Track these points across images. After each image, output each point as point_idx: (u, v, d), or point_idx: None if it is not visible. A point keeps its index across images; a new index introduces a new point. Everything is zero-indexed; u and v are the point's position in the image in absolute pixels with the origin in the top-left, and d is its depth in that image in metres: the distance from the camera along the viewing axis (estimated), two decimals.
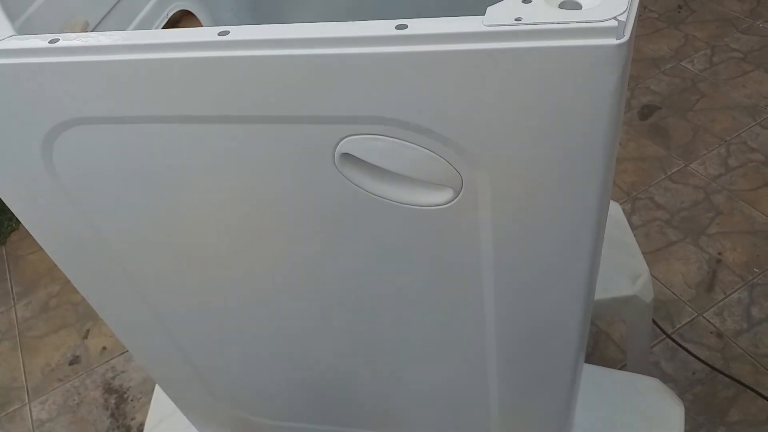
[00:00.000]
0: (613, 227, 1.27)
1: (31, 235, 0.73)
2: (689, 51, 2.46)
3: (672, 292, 1.69)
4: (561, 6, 0.44)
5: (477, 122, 0.49)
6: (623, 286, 1.20)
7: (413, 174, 0.55)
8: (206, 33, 0.49)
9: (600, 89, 0.45)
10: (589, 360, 0.95)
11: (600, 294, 1.16)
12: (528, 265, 0.62)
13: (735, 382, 1.49)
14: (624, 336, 1.59)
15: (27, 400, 1.74)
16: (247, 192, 0.62)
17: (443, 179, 0.55)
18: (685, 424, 1.01)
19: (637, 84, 2.35)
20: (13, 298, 2.02)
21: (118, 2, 0.80)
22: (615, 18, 0.42)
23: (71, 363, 1.81)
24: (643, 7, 2.68)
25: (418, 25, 0.45)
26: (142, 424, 1.61)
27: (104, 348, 1.83)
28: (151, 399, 1.22)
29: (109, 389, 1.74)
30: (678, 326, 1.62)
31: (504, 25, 0.44)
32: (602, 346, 1.61)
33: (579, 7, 0.44)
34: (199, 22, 0.98)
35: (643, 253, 1.26)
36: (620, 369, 1.51)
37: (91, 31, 0.76)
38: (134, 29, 0.83)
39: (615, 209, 1.36)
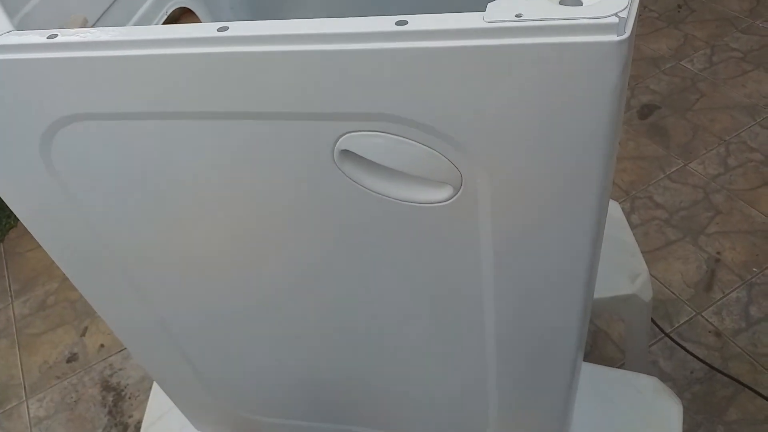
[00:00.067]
0: (613, 226, 1.26)
1: (29, 233, 0.73)
2: (689, 50, 2.46)
3: (671, 291, 1.69)
4: (562, 2, 0.44)
5: (477, 119, 0.49)
6: (622, 284, 1.20)
7: (413, 171, 0.54)
8: (205, 29, 0.49)
9: (601, 86, 0.45)
10: (587, 359, 0.95)
11: (599, 293, 1.16)
12: (527, 263, 0.62)
13: (733, 381, 1.49)
14: (623, 335, 1.59)
15: (24, 398, 1.74)
16: (246, 189, 0.62)
17: (443, 176, 0.54)
18: (684, 422, 1.01)
19: (637, 83, 2.35)
20: (11, 296, 2.01)
21: None
22: (616, 14, 0.42)
23: (69, 360, 1.81)
24: (642, 7, 2.67)
25: (418, 21, 0.45)
26: (139, 422, 1.61)
27: (102, 345, 1.83)
28: (148, 396, 1.22)
29: (106, 387, 1.73)
30: (677, 325, 1.62)
31: (505, 21, 0.44)
32: (601, 344, 1.61)
33: (580, 3, 0.44)
34: (199, 20, 0.97)
35: (642, 252, 1.26)
36: (619, 368, 1.51)
37: (90, 27, 0.76)
38: (133, 26, 0.82)
39: (614, 208, 1.36)
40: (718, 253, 1.77)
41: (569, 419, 0.89)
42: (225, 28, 0.49)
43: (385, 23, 0.46)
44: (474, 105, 0.48)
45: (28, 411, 1.71)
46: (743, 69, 2.33)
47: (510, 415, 0.88)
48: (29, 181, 0.65)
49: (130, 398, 1.70)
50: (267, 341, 0.85)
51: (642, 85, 2.34)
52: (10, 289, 2.03)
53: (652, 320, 1.47)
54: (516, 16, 0.44)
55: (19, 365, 1.82)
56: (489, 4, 0.45)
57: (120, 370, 1.77)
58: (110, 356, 1.80)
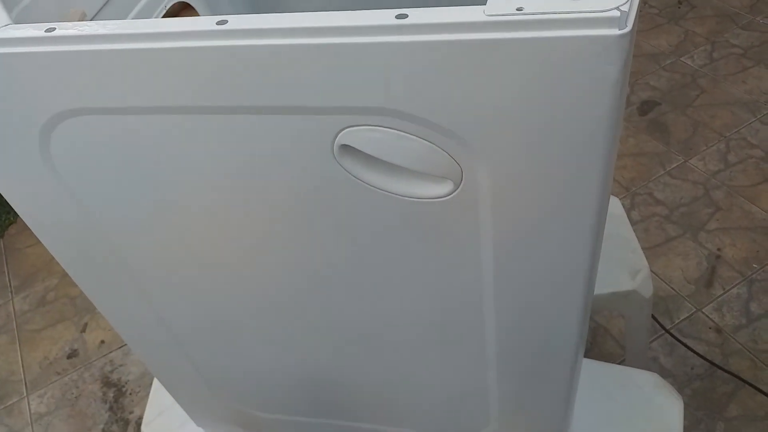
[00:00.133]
0: (613, 222, 1.26)
1: (29, 228, 0.72)
2: (689, 47, 2.45)
3: (671, 288, 1.69)
4: None
5: (477, 113, 0.49)
6: (622, 281, 1.20)
7: (414, 166, 0.54)
8: (204, 22, 0.49)
9: (602, 80, 0.45)
10: (588, 355, 0.95)
11: (599, 289, 1.16)
12: (528, 259, 0.61)
13: (734, 378, 1.49)
14: (623, 331, 1.59)
15: (25, 394, 1.74)
16: (246, 184, 0.62)
17: (443, 171, 0.54)
18: (684, 418, 1.01)
19: (637, 80, 2.34)
20: (11, 292, 2.01)
21: None
22: (617, 8, 0.42)
23: (69, 356, 1.81)
24: (643, 3, 2.67)
25: (418, 15, 0.45)
26: (140, 418, 1.61)
27: (102, 341, 1.83)
28: (149, 392, 1.22)
29: (107, 383, 1.73)
30: (677, 321, 1.62)
31: (505, 15, 0.43)
32: (601, 341, 1.61)
33: None
34: (197, 15, 0.97)
35: (642, 248, 1.26)
36: (619, 364, 1.51)
37: (89, 21, 0.76)
38: (131, 20, 0.82)
39: (614, 204, 1.35)
40: (719, 249, 1.77)
41: (570, 415, 0.89)
42: (224, 22, 0.49)
43: (386, 17, 0.45)
44: (474, 99, 0.48)
45: (29, 407, 1.71)
46: (744, 65, 2.33)
47: (511, 411, 0.88)
48: (28, 177, 0.65)
49: (130, 394, 1.70)
50: (267, 338, 0.85)
51: (642, 81, 2.34)
52: (10, 285, 2.03)
53: (653, 316, 1.47)
54: (517, 9, 0.43)
55: (20, 361, 1.82)
56: None
57: (120, 366, 1.77)
58: (111, 352, 1.80)
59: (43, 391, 1.74)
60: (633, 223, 1.83)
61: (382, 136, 0.52)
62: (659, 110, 2.22)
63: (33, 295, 1.98)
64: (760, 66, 2.32)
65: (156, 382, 1.21)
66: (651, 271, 1.29)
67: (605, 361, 1.15)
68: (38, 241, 0.74)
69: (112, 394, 1.71)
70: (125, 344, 1.79)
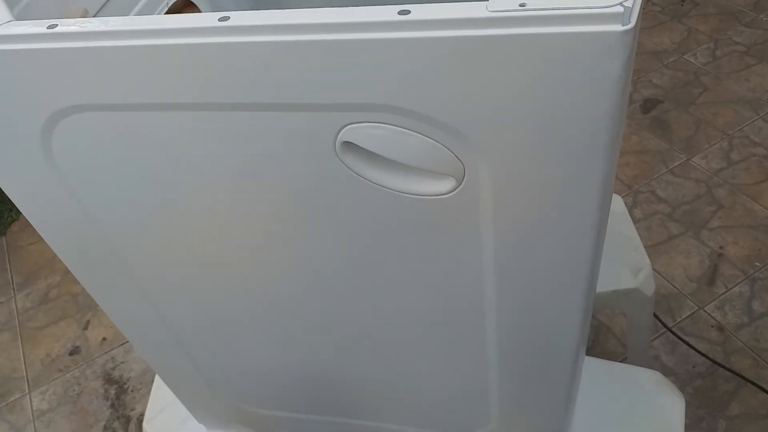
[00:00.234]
0: (615, 220, 1.26)
1: (31, 226, 0.72)
2: (692, 44, 2.45)
3: (673, 286, 1.69)
4: None
5: (480, 110, 0.49)
6: (624, 279, 1.20)
7: (416, 163, 0.54)
8: (206, 18, 0.49)
9: (605, 77, 0.44)
10: (589, 353, 0.95)
11: (601, 287, 1.15)
12: (529, 257, 0.61)
13: (736, 376, 1.49)
14: (625, 329, 1.59)
15: (27, 391, 1.75)
16: (247, 181, 0.62)
17: (445, 168, 0.54)
18: (686, 417, 1.01)
19: (640, 77, 2.34)
20: (14, 289, 2.01)
21: None
22: (621, 4, 0.42)
23: (71, 353, 1.81)
24: (646, 0, 2.66)
25: (421, 11, 0.45)
26: (142, 415, 1.61)
27: (104, 339, 1.83)
28: (151, 389, 1.22)
29: (109, 380, 1.74)
30: (679, 320, 1.62)
31: (508, 10, 0.43)
32: (603, 339, 1.61)
33: None
34: (200, 12, 0.97)
35: (644, 246, 1.26)
36: (621, 362, 1.51)
37: (91, 18, 0.76)
38: (134, 16, 0.82)
39: (617, 202, 1.35)
40: (721, 247, 1.76)
41: (571, 413, 0.89)
42: (226, 18, 0.48)
43: (388, 13, 0.45)
44: (477, 96, 0.48)
45: (31, 404, 1.72)
46: (747, 63, 2.32)
47: (512, 409, 0.88)
48: (30, 173, 0.65)
49: (132, 391, 1.70)
50: (268, 336, 0.85)
51: (645, 79, 2.33)
52: (13, 283, 2.03)
53: (655, 314, 1.46)
54: (520, 5, 0.43)
55: (22, 358, 1.83)
56: None
57: (122, 363, 1.77)
58: (112, 349, 1.80)
59: (45, 388, 1.74)
60: (635, 221, 1.83)
61: (384, 133, 0.52)
62: (662, 108, 2.21)
63: (35, 293, 1.99)
64: (763, 64, 2.31)
65: (157, 379, 1.21)
66: (653, 269, 1.29)
67: (607, 360, 1.15)
68: (41, 239, 0.74)
69: (113, 391, 1.71)
70: (127, 341, 1.79)
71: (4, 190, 0.68)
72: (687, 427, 1.02)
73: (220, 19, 0.48)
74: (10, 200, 0.69)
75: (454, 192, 0.56)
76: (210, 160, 0.60)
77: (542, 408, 0.87)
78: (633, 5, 0.42)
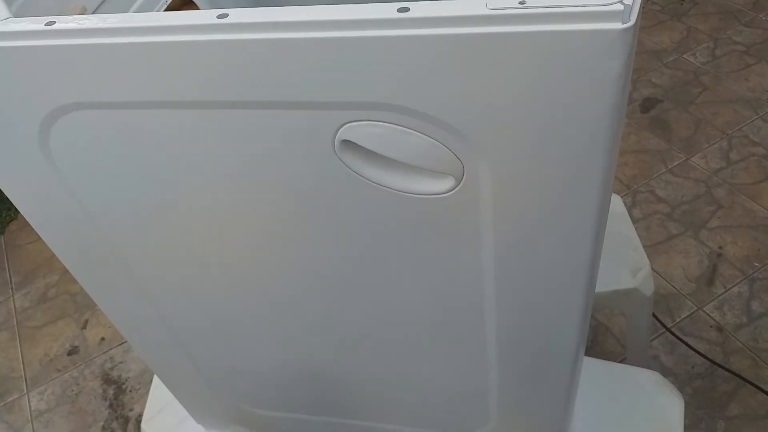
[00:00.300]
0: (614, 220, 1.26)
1: (29, 225, 0.72)
2: (691, 44, 2.45)
3: (672, 286, 1.69)
4: None
5: (479, 108, 0.49)
6: (623, 279, 1.20)
7: (415, 162, 0.54)
8: (205, 16, 0.49)
9: (604, 75, 0.44)
10: (588, 353, 0.95)
11: (600, 287, 1.15)
12: (529, 256, 0.61)
13: (735, 376, 1.49)
14: (624, 329, 1.59)
15: (25, 390, 1.74)
16: (246, 179, 0.61)
17: (444, 167, 0.54)
18: (685, 417, 1.01)
19: (639, 77, 2.34)
20: (12, 288, 2.01)
21: None
22: (620, 2, 0.42)
23: (70, 353, 1.81)
24: None
25: (420, 8, 0.45)
26: (140, 415, 1.61)
27: (103, 338, 1.83)
28: (149, 390, 1.22)
29: (107, 380, 1.73)
30: (678, 320, 1.62)
31: (508, 8, 0.43)
32: (602, 339, 1.61)
33: None
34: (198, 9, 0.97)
35: (643, 246, 1.26)
36: (620, 362, 1.51)
37: (89, 15, 0.75)
38: (132, 13, 0.82)
39: (616, 202, 1.35)
40: (720, 247, 1.76)
41: (570, 413, 0.89)
42: (225, 15, 0.48)
43: (387, 10, 0.45)
44: (476, 94, 0.48)
45: (29, 404, 1.71)
46: (746, 62, 2.32)
47: (511, 409, 0.88)
48: (28, 172, 0.65)
49: (130, 391, 1.70)
50: (267, 336, 0.85)
51: (644, 78, 2.33)
52: (11, 282, 2.03)
53: (654, 315, 1.46)
54: (519, 2, 0.43)
55: (20, 358, 1.82)
56: None
57: (121, 363, 1.77)
58: (111, 349, 1.80)
59: (44, 388, 1.74)
60: (634, 220, 1.83)
61: (383, 132, 0.52)
62: (661, 107, 2.21)
63: (34, 292, 1.98)
64: (763, 63, 2.31)
65: (156, 380, 1.21)
66: (652, 269, 1.28)
67: (606, 360, 1.15)
68: (39, 238, 0.74)
69: (112, 391, 1.71)
70: (125, 341, 1.79)
71: (2, 188, 0.68)
72: (686, 427, 1.02)
73: (219, 17, 0.48)
74: (8, 199, 0.69)
75: (453, 191, 0.55)
76: (208, 159, 0.60)
77: (542, 408, 0.87)
78: (633, 3, 0.42)
